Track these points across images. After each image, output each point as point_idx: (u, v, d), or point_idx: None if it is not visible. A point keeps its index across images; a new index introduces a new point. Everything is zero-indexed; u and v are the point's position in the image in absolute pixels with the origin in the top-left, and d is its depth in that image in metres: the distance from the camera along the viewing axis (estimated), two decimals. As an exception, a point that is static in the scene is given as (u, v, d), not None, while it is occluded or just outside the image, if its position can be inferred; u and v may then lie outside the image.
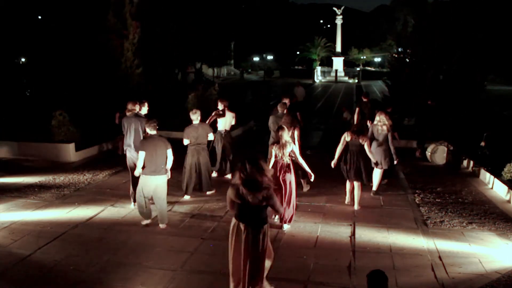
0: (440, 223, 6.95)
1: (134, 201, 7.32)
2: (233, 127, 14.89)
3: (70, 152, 10.87)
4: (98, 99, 14.04)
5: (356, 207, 7.66)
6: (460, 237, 6.38)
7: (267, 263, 4.66)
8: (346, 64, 59.48)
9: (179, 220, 7.04)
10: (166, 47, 20.15)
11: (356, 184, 7.62)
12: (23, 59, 19.20)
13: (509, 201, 7.94)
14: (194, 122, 8.01)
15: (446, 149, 10.84)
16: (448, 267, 5.44)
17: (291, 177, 6.62)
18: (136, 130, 7.56)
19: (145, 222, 6.83)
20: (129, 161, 7.65)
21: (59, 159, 10.76)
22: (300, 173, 8.08)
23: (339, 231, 6.63)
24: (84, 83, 14.88)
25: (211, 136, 8.28)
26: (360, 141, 7.43)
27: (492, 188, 8.80)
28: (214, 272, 5.34)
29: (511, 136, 10.47)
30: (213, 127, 8.88)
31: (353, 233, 6.55)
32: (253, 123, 16.83)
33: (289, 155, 6.62)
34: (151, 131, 6.60)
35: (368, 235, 6.48)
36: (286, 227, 6.71)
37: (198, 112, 8.06)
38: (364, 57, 74.31)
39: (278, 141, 6.55)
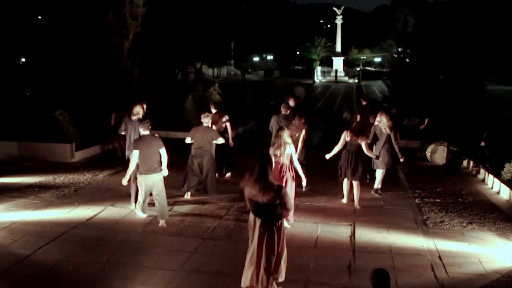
0: (440, 223, 6.95)
1: (135, 201, 7.36)
2: (233, 127, 14.99)
3: (70, 152, 10.86)
4: (98, 99, 14.04)
5: (356, 205, 7.70)
6: (460, 237, 6.38)
7: (283, 263, 4.71)
8: (346, 64, 59.48)
9: (179, 220, 7.05)
10: (166, 47, 20.15)
11: (354, 183, 7.66)
12: (23, 59, 19.21)
13: (509, 201, 7.94)
14: (204, 124, 8.03)
15: (446, 149, 10.85)
16: (448, 267, 5.44)
17: (290, 177, 6.63)
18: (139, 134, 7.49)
19: (143, 214, 7.03)
20: None
21: (59, 159, 10.75)
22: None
23: (339, 231, 6.63)
24: (84, 83, 14.89)
25: (221, 140, 8.14)
26: (359, 141, 7.47)
27: (492, 188, 8.80)
28: (214, 272, 5.34)
29: (511, 136, 10.47)
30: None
31: (353, 233, 6.55)
32: (253, 123, 16.83)
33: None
34: (144, 131, 6.73)
35: (368, 235, 6.48)
36: (285, 224, 6.71)
37: (209, 116, 8.10)
38: (364, 57, 74.30)
39: (275, 141, 6.57)
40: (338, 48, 55.72)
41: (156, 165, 6.67)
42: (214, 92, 16.86)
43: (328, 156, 7.74)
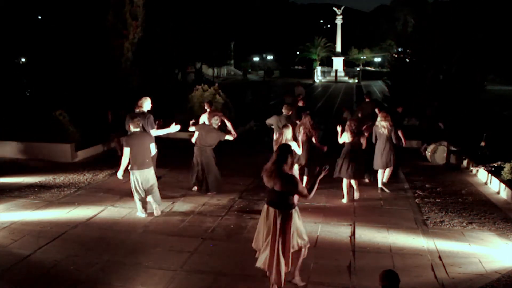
0: (440, 223, 6.95)
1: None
2: (233, 127, 15.00)
3: (70, 152, 10.86)
4: (98, 99, 14.03)
5: (356, 196, 7.99)
6: (460, 237, 6.38)
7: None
8: (346, 64, 59.49)
9: (179, 220, 7.05)
10: (166, 47, 20.16)
11: (353, 181, 7.89)
12: (23, 59, 19.20)
13: (509, 201, 7.94)
14: (212, 125, 8.17)
15: (446, 149, 10.85)
16: (448, 267, 5.44)
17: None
18: (143, 127, 7.69)
19: (144, 214, 7.10)
20: None
21: (59, 159, 10.75)
22: (305, 170, 8.18)
23: (339, 231, 6.63)
24: (84, 83, 14.87)
25: (228, 137, 8.22)
26: (362, 141, 7.67)
27: (492, 188, 8.80)
28: (214, 272, 5.34)
29: (511, 136, 10.47)
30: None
31: (353, 233, 6.55)
32: (253, 123, 16.84)
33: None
34: (134, 128, 6.95)
35: (368, 235, 6.48)
36: None
37: (219, 120, 8.23)
38: (364, 57, 74.32)
39: (278, 138, 6.77)
40: (338, 48, 55.73)
41: (147, 160, 7.01)
42: (214, 92, 16.84)
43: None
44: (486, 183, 9.14)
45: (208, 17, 28.78)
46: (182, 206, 7.73)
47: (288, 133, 6.80)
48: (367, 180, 8.90)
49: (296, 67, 68.12)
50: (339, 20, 54.90)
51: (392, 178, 9.27)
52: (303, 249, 4.87)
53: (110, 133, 11.37)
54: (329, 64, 60.10)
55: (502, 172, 8.62)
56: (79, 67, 15.09)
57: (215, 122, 8.15)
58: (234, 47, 51.83)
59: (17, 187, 8.64)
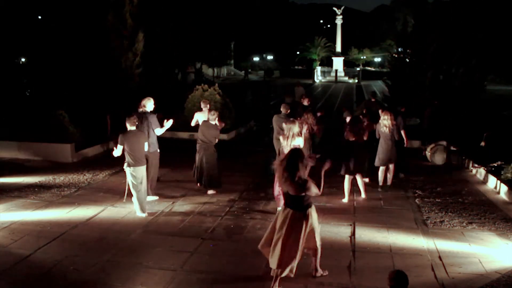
0: (440, 223, 6.95)
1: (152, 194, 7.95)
2: (233, 127, 15.02)
3: (70, 152, 10.86)
4: (98, 99, 14.04)
5: (363, 195, 8.09)
6: (460, 237, 6.38)
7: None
8: (346, 64, 59.47)
9: (179, 220, 7.05)
10: (166, 47, 20.17)
11: (358, 176, 7.98)
12: (23, 59, 19.20)
13: (509, 201, 7.94)
14: (210, 122, 8.26)
15: (446, 149, 10.84)
16: (448, 267, 5.44)
17: None
18: (147, 126, 7.82)
19: (144, 214, 7.15)
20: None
21: (59, 159, 10.76)
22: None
23: (339, 231, 6.63)
24: (84, 83, 14.87)
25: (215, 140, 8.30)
26: (365, 138, 7.84)
27: (492, 188, 8.80)
28: (214, 272, 5.34)
29: (511, 136, 10.47)
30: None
31: (353, 233, 6.55)
32: (253, 123, 16.84)
33: None
34: (130, 127, 7.09)
35: (368, 235, 6.48)
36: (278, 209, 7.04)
37: (216, 114, 8.27)
38: (364, 57, 74.32)
39: (285, 133, 6.97)
40: (338, 48, 55.70)
41: (142, 158, 7.18)
42: (214, 92, 16.84)
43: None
44: (486, 183, 9.14)
45: (208, 17, 28.77)
46: (182, 206, 7.73)
47: (295, 128, 6.93)
48: (367, 180, 8.92)
49: (296, 67, 68.12)
50: (339, 20, 54.87)
51: (393, 178, 9.27)
52: (319, 248, 5.09)
53: (110, 137, 11.33)
54: (329, 64, 60.08)
55: (502, 172, 8.62)
56: (79, 67, 15.09)
57: (213, 117, 8.21)
58: (234, 47, 51.80)
59: (17, 187, 8.64)
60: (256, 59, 66.09)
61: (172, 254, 5.83)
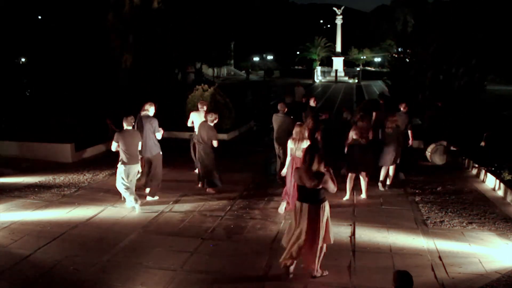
0: (440, 223, 6.95)
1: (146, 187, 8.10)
2: (234, 127, 15.02)
3: (70, 152, 10.86)
4: (98, 99, 14.04)
5: (363, 195, 8.11)
6: (460, 237, 6.38)
7: (323, 245, 5.19)
8: (346, 64, 59.50)
9: (179, 220, 7.05)
10: (166, 47, 20.13)
11: (362, 175, 8.03)
12: (23, 59, 19.20)
13: (509, 201, 7.94)
14: (208, 123, 8.28)
15: (446, 149, 10.84)
16: (448, 267, 5.45)
17: None
18: (148, 130, 7.89)
19: (136, 204, 7.34)
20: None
21: (59, 159, 10.75)
22: None
23: (339, 231, 6.62)
24: (84, 83, 14.88)
25: (215, 143, 8.27)
26: (369, 137, 7.95)
27: (492, 188, 8.80)
28: (214, 272, 5.34)
29: (511, 136, 10.46)
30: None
31: (353, 233, 6.55)
32: (253, 123, 16.84)
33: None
34: (127, 126, 7.30)
35: (368, 235, 6.48)
36: (284, 205, 7.41)
37: (214, 116, 8.30)
38: (364, 57, 74.32)
39: (294, 135, 7.08)
40: (338, 48, 55.72)
41: (136, 156, 7.39)
42: (214, 92, 16.83)
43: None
44: (486, 183, 9.13)
45: (208, 17, 28.77)
46: (182, 206, 7.73)
47: (304, 131, 7.11)
48: (366, 177, 8.95)
49: (296, 67, 68.12)
50: (339, 20, 54.89)
51: (393, 177, 9.27)
52: (324, 245, 5.23)
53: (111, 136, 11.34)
54: (329, 64, 60.10)
55: (502, 172, 8.62)
56: (79, 67, 15.10)
57: (211, 118, 8.24)
58: (234, 47, 51.79)
59: (17, 187, 8.64)
60: (256, 59, 66.08)
61: (172, 254, 5.83)
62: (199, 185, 8.61)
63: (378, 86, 38.36)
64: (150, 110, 8.11)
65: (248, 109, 19.01)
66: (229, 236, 6.48)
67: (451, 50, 16.15)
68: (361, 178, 8.09)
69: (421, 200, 8.08)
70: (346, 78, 50.23)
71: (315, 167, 4.95)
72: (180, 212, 7.42)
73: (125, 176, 7.29)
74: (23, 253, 5.76)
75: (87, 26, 15.18)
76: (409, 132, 9.61)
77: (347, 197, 8.06)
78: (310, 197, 5.05)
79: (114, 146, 7.30)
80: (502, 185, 8.37)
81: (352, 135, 8.08)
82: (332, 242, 5.26)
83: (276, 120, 9.12)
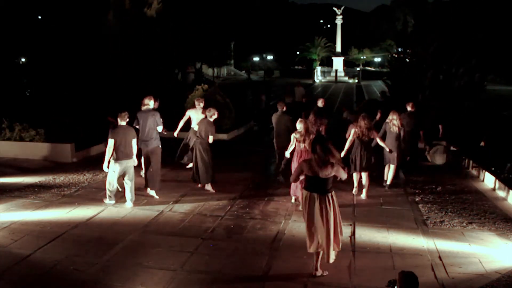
0: (440, 223, 6.95)
1: (147, 187, 8.19)
2: (233, 127, 15.02)
3: (70, 152, 10.86)
4: (98, 99, 14.03)
5: (363, 196, 8.13)
6: (460, 237, 6.38)
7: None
8: (346, 64, 59.52)
9: (179, 220, 7.05)
10: (166, 47, 20.14)
11: (364, 174, 8.08)
12: (23, 59, 19.20)
13: (509, 201, 7.94)
14: (208, 119, 8.39)
15: (446, 149, 10.84)
16: (448, 267, 5.44)
17: None
18: (150, 123, 8.00)
19: (112, 202, 7.61)
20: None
21: (59, 159, 10.75)
22: None
23: (339, 231, 6.62)
24: (84, 83, 14.88)
25: (210, 139, 8.34)
26: (371, 136, 8.01)
27: (492, 188, 8.80)
28: (214, 272, 5.34)
29: (511, 136, 10.46)
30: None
31: (353, 233, 6.55)
32: (253, 123, 16.84)
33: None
34: (121, 122, 7.41)
35: (368, 235, 6.48)
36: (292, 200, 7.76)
37: (213, 111, 8.41)
38: (364, 57, 74.30)
39: (300, 130, 7.39)
40: (338, 48, 55.75)
41: (129, 152, 7.45)
42: (214, 91, 16.82)
43: (342, 154, 8.12)
44: (486, 183, 9.13)
45: (208, 17, 28.73)
46: (182, 206, 7.73)
47: (308, 125, 7.46)
48: (374, 173, 8.96)
49: (296, 67, 68.12)
50: (339, 20, 54.92)
51: (393, 178, 9.28)
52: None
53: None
54: (329, 64, 60.11)
55: (503, 172, 8.62)
56: (79, 67, 15.10)
57: (209, 114, 8.35)
58: (234, 47, 51.74)
59: (17, 187, 8.64)
60: (256, 59, 65.99)
61: (172, 254, 5.83)
62: (199, 185, 8.62)
63: (378, 86, 38.36)
64: (150, 103, 8.25)
65: (248, 109, 19.00)
66: (229, 236, 6.48)
67: (451, 50, 16.16)
68: (363, 177, 8.13)
69: (421, 200, 8.08)
70: (346, 78, 50.25)
71: (325, 157, 5.11)
72: (180, 212, 7.42)
73: (115, 171, 7.40)
74: (23, 253, 5.76)
75: (87, 26, 15.18)
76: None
77: (354, 191, 8.30)
78: (321, 186, 5.20)
79: (111, 143, 7.33)
80: (502, 185, 8.37)
81: (353, 134, 8.09)
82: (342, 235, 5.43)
83: (275, 119, 9.18)
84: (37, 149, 10.99)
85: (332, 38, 61.86)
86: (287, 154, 7.81)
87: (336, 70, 50.88)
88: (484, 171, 9.37)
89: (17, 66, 18.40)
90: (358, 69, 59.39)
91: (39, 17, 18.54)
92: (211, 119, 8.33)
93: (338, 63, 54.27)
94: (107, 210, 7.46)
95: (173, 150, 10.86)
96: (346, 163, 8.20)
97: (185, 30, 24.21)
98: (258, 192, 8.54)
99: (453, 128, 12.09)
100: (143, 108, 8.21)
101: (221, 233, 6.56)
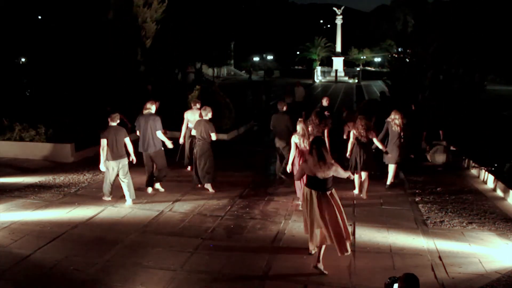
0: (440, 223, 6.95)
1: (152, 186, 8.40)
2: (233, 127, 15.02)
3: (70, 152, 10.86)
4: (98, 99, 14.02)
5: (364, 195, 8.15)
6: (460, 237, 6.38)
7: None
8: (346, 64, 59.51)
9: (179, 220, 7.05)
10: (166, 47, 20.13)
11: (364, 174, 8.08)
12: (23, 59, 19.19)
13: (509, 201, 7.94)
14: (203, 117, 8.40)
15: (446, 149, 10.84)
16: (448, 267, 5.45)
17: None
18: (150, 128, 8.08)
19: (108, 198, 7.79)
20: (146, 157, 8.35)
21: (59, 159, 10.76)
22: None
23: (339, 231, 6.62)
24: (84, 83, 14.86)
25: (213, 136, 8.35)
26: (370, 136, 7.98)
27: (492, 188, 8.80)
28: (214, 272, 5.34)
29: (511, 136, 10.46)
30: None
31: (353, 233, 6.55)
32: (253, 123, 16.84)
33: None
34: (111, 123, 7.56)
35: (368, 235, 6.48)
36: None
37: (208, 109, 8.44)
38: (364, 57, 74.31)
39: (299, 131, 7.38)
40: (338, 48, 55.73)
41: (122, 151, 7.58)
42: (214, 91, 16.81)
43: (347, 155, 8.26)
44: (486, 183, 9.14)
45: (208, 17, 28.74)
46: (182, 206, 7.74)
47: (307, 126, 7.51)
48: (378, 173, 8.97)
49: (296, 67, 68.11)
50: (339, 20, 54.90)
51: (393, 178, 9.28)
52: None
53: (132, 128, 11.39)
54: (329, 64, 60.10)
55: (502, 172, 8.62)
56: (79, 67, 15.08)
57: (205, 113, 8.37)
58: (234, 47, 51.73)
59: (17, 187, 8.64)
60: (256, 59, 65.98)
61: (172, 254, 5.83)
62: (199, 185, 8.62)
63: (378, 86, 38.36)
64: (152, 108, 8.33)
65: (248, 109, 19.01)
66: (229, 236, 6.48)
67: (451, 50, 16.15)
68: (363, 177, 8.15)
69: (421, 200, 8.08)
70: (346, 78, 50.24)
71: (318, 161, 5.25)
72: (180, 212, 7.42)
73: (111, 171, 7.55)
74: (23, 253, 5.76)
75: (87, 26, 15.16)
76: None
77: (355, 191, 8.33)
78: (321, 186, 5.34)
79: (103, 143, 7.44)
80: (502, 185, 8.37)
81: (352, 135, 8.11)
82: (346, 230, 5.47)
83: (275, 119, 9.20)
84: (37, 149, 11.00)
85: (332, 38, 61.85)
86: (289, 167, 7.55)
87: (336, 70, 50.87)
88: (484, 171, 9.37)
89: (17, 66, 18.37)
90: (358, 69, 59.36)
91: (39, 17, 18.52)
92: (207, 118, 8.35)
93: (338, 63, 54.26)
94: (107, 210, 7.47)
95: (173, 150, 10.87)
96: (347, 163, 8.24)
97: (185, 30, 24.22)
98: (258, 192, 8.54)
99: (453, 128, 12.08)
100: (145, 112, 8.23)
101: (221, 233, 6.57)
